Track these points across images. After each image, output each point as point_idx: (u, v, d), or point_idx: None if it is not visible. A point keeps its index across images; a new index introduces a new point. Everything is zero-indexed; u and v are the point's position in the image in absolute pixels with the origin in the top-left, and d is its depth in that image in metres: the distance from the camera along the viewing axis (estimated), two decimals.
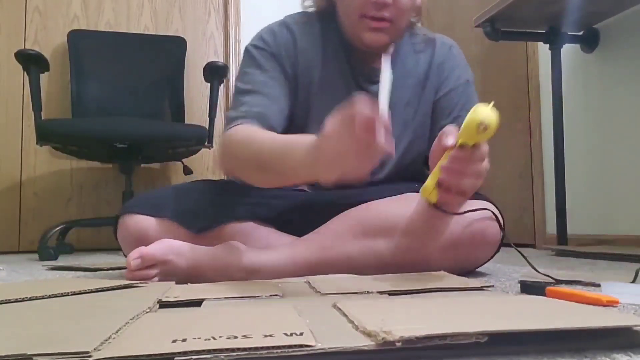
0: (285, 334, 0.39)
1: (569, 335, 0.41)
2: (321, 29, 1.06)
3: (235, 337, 0.38)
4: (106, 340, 0.39)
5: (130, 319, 0.48)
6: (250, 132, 0.90)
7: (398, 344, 0.36)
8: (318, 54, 1.05)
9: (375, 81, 1.04)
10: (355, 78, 1.06)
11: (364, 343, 0.37)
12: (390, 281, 0.74)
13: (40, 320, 0.50)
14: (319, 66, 1.05)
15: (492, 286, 0.70)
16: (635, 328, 0.45)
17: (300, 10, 1.11)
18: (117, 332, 0.42)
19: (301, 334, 0.39)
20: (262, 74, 1.00)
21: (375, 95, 1.01)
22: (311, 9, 1.10)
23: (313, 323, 0.45)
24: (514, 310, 0.49)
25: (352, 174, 0.64)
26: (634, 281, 0.81)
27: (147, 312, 0.54)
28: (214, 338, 0.38)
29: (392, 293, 0.65)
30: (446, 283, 0.72)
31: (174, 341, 0.37)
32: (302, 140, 0.74)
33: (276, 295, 0.64)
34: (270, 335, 0.38)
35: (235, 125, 0.93)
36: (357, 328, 0.42)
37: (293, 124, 1.03)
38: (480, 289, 0.69)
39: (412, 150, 1.09)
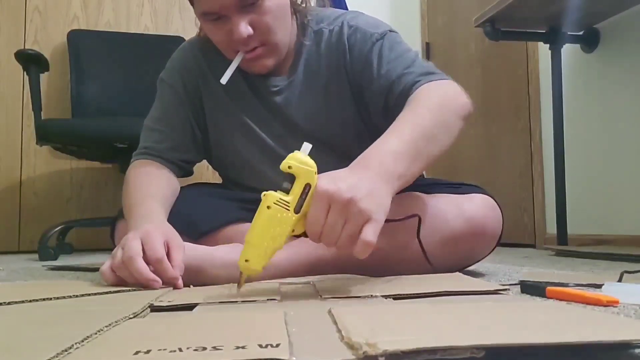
0: (260, 346, 0.36)
1: (573, 347, 0.38)
2: (215, 51, 1.04)
3: (204, 349, 0.36)
4: (65, 350, 0.37)
5: (106, 326, 0.46)
6: (134, 175, 0.99)
7: (381, 359, 0.33)
8: (212, 73, 1.06)
9: (274, 92, 1.03)
10: (255, 91, 1.04)
11: (343, 357, 0.35)
12: (397, 284, 0.72)
13: (8, 327, 0.48)
14: (215, 83, 1.04)
15: (508, 289, 0.67)
16: None
17: None
18: (82, 341, 0.40)
19: (277, 345, 0.36)
20: (162, 110, 1.07)
21: (278, 105, 1.03)
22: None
23: (299, 332, 0.43)
24: (519, 319, 0.47)
25: None
26: (619, 281, 0.81)
27: (130, 318, 0.51)
28: (180, 350, 0.36)
29: (397, 297, 0.63)
30: (458, 286, 0.69)
31: (137, 353, 0.35)
32: (143, 219, 0.83)
33: (274, 299, 0.63)
34: (243, 347, 0.36)
35: (134, 163, 1.03)
36: (342, 338, 0.40)
37: (215, 137, 1.08)
38: (495, 292, 0.66)
39: (347, 138, 1.04)
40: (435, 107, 0.83)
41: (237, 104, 1.05)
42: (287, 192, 0.63)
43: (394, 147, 0.74)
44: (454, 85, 0.91)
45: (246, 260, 0.63)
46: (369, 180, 0.67)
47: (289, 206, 0.63)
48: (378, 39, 0.98)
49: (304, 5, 1.03)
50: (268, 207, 0.63)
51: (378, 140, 0.76)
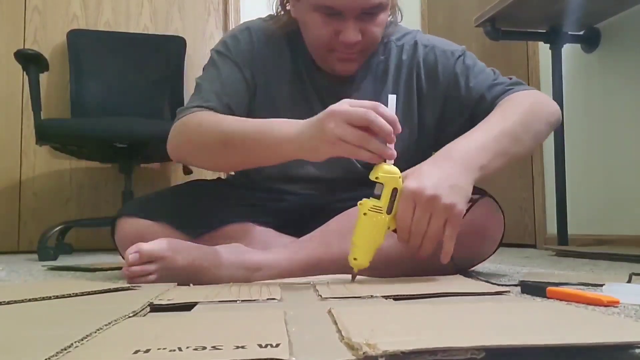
0: (260, 346, 0.36)
1: (574, 348, 0.38)
2: (286, 43, 1.02)
3: (204, 348, 0.36)
4: (65, 349, 0.37)
5: (105, 325, 0.45)
6: (217, 115, 0.92)
7: (381, 359, 0.34)
8: (280, 68, 1.03)
9: (340, 98, 1.02)
10: (321, 96, 1.02)
11: (343, 357, 0.35)
12: (398, 284, 0.72)
13: (8, 327, 0.48)
14: (280, 80, 1.02)
15: (509, 291, 0.67)
16: None
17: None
18: (82, 340, 0.40)
19: (277, 345, 0.36)
20: (221, 74, 1.00)
21: None
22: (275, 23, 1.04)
23: (299, 332, 0.43)
24: (520, 320, 0.47)
25: (343, 155, 0.73)
26: (628, 282, 0.81)
27: (129, 317, 0.51)
28: (180, 349, 0.36)
29: (397, 298, 0.63)
30: (458, 287, 0.69)
31: (136, 352, 0.35)
32: (289, 121, 0.80)
33: (273, 299, 0.63)
34: (242, 347, 0.36)
35: (194, 112, 0.94)
36: (342, 339, 0.40)
37: None
38: (497, 293, 0.66)
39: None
40: (524, 110, 0.88)
41: (284, 103, 1.02)
42: (379, 197, 0.73)
43: (479, 141, 0.80)
44: (542, 94, 0.97)
45: (355, 259, 0.74)
46: (451, 172, 0.74)
47: (381, 210, 0.73)
48: (460, 55, 1.02)
49: (390, 17, 1.01)
50: (365, 214, 0.73)
51: (464, 134, 0.82)
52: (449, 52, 1.02)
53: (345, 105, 0.73)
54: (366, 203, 0.73)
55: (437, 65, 1.02)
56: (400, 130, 0.73)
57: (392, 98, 0.74)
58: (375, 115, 0.71)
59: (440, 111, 1.02)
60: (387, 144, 0.72)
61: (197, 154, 0.94)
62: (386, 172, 0.73)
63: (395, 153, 0.73)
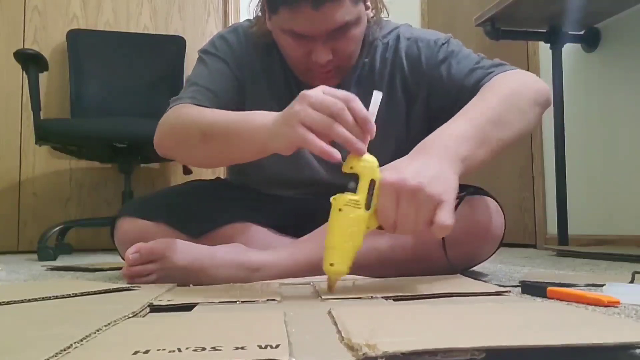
0: (259, 347, 0.36)
1: (574, 349, 0.38)
2: (276, 50, 1.00)
3: (203, 349, 0.36)
4: (64, 349, 0.37)
5: (105, 326, 0.45)
6: (198, 107, 0.90)
7: None
8: (268, 73, 1.02)
9: None
10: None
11: (343, 358, 0.35)
12: (398, 285, 0.72)
13: (8, 327, 0.48)
14: (268, 85, 1.01)
15: (509, 291, 0.67)
16: None
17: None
18: (81, 340, 0.40)
19: (277, 346, 0.36)
20: (209, 73, 0.99)
21: None
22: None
23: (299, 332, 0.43)
24: (520, 321, 0.47)
25: (311, 148, 0.65)
26: (631, 282, 0.81)
27: (129, 318, 0.51)
28: (179, 350, 0.36)
29: (397, 298, 0.63)
30: (459, 287, 0.69)
31: (135, 353, 0.35)
32: (269, 112, 0.75)
33: (273, 299, 0.63)
34: (242, 348, 0.36)
35: (177, 105, 0.93)
36: (342, 339, 0.40)
37: None
38: (497, 293, 0.66)
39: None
40: (507, 92, 0.82)
41: (272, 108, 1.01)
42: (354, 191, 0.64)
43: (458, 130, 0.73)
44: (528, 73, 0.91)
45: (331, 264, 0.64)
46: (431, 164, 0.67)
47: (359, 204, 0.64)
48: (443, 43, 0.98)
49: (373, 18, 0.99)
50: (340, 210, 0.64)
51: (443, 125, 0.75)
52: (432, 41, 0.98)
53: (318, 90, 0.66)
54: (341, 198, 0.64)
55: (421, 56, 0.98)
56: (373, 131, 0.66)
57: (377, 95, 0.67)
58: (343, 109, 0.64)
59: (428, 105, 0.99)
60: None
61: (178, 147, 0.92)
62: (361, 160, 0.65)
63: (364, 148, 0.64)
